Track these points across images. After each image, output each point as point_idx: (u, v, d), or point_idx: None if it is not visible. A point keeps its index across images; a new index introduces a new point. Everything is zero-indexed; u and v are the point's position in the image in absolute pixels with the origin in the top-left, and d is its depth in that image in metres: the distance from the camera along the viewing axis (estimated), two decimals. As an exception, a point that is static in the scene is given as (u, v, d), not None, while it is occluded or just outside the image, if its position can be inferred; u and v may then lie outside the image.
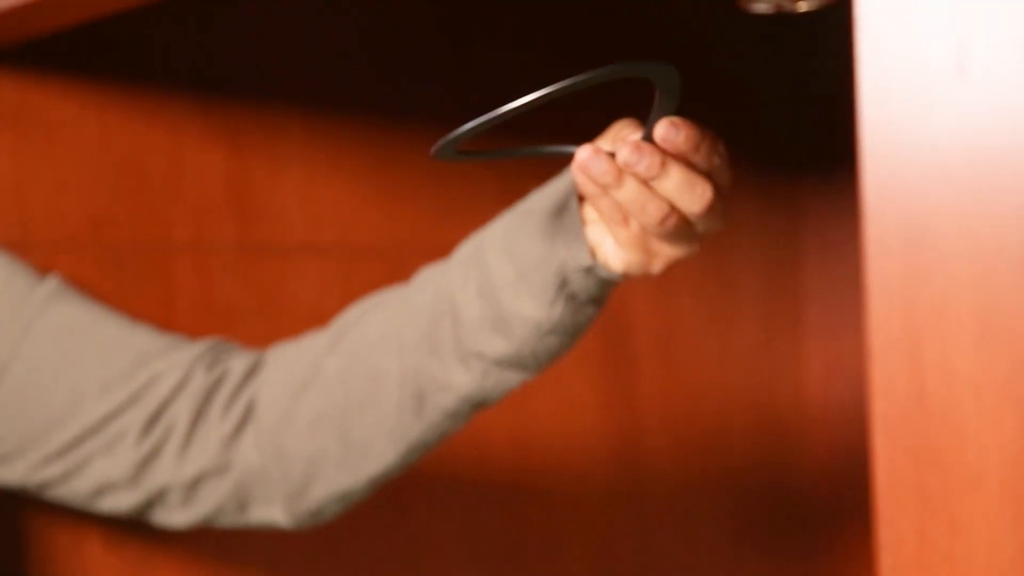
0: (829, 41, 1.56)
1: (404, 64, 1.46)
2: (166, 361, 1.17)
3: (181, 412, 1.15)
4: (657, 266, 1.00)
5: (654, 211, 0.96)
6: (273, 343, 1.21)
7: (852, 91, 1.48)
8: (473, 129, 0.92)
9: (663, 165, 0.95)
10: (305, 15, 1.41)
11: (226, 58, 1.38)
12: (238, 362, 1.17)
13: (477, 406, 1.08)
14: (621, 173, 0.95)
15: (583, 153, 0.95)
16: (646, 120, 0.96)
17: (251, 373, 1.16)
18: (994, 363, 0.60)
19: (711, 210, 0.97)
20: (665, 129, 0.94)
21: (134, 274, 1.33)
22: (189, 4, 1.30)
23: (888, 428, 0.62)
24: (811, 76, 1.67)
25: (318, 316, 1.40)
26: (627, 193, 0.96)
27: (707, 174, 0.97)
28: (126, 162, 1.33)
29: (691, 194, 0.96)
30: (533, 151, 0.99)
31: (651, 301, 1.60)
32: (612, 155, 0.95)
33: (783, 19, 1.14)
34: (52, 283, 1.20)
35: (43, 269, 1.26)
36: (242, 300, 1.38)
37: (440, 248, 1.45)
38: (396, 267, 1.44)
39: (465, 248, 1.07)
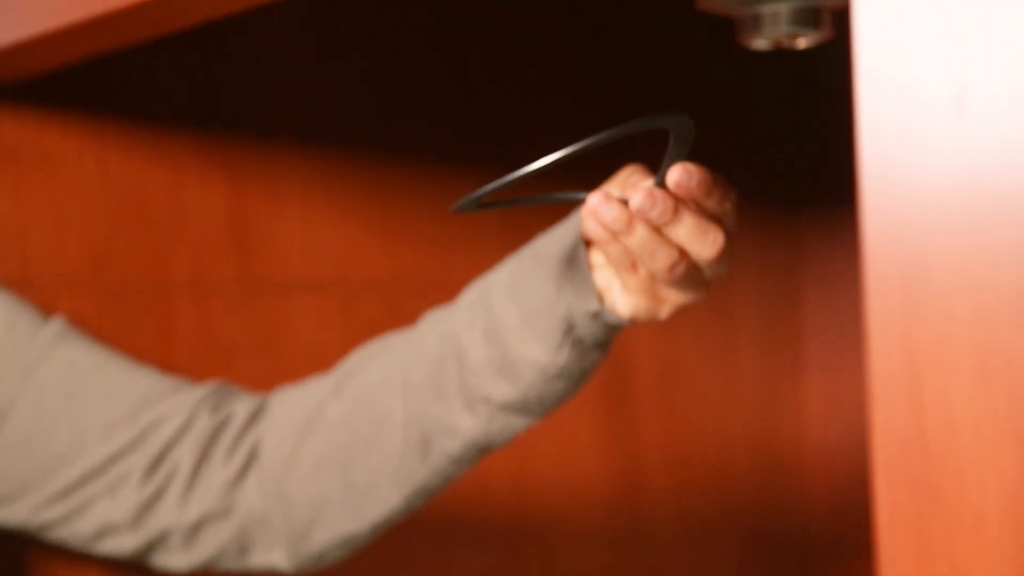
0: (830, 77, 1.57)
1: (404, 102, 1.46)
2: (170, 404, 1.17)
3: (184, 455, 1.15)
4: (664, 312, 1.00)
5: (664, 258, 0.96)
6: (273, 379, 1.21)
7: (852, 127, 1.48)
8: (494, 188, 0.92)
9: (676, 212, 0.94)
10: (306, 53, 1.41)
11: (227, 95, 1.38)
12: (242, 406, 1.17)
13: (483, 451, 1.07)
14: (632, 219, 0.95)
15: (594, 199, 0.95)
16: (655, 165, 0.96)
17: (255, 417, 1.16)
18: (993, 401, 0.60)
19: (721, 256, 0.96)
20: (679, 175, 0.94)
21: (134, 311, 1.33)
22: (189, 41, 1.30)
23: (889, 468, 0.62)
24: (812, 112, 1.67)
25: (318, 353, 1.40)
26: (637, 239, 0.95)
27: (718, 220, 0.97)
28: (126, 199, 1.33)
29: (703, 241, 0.95)
30: (545, 198, 0.99)
31: (651, 339, 1.59)
32: (623, 201, 0.95)
33: (784, 56, 1.14)
34: (56, 325, 1.20)
35: (43, 306, 1.26)
36: (242, 337, 1.38)
37: (441, 285, 1.46)
38: (396, 304, 1.44)
39: (471, 291, 1.07)
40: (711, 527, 1.62)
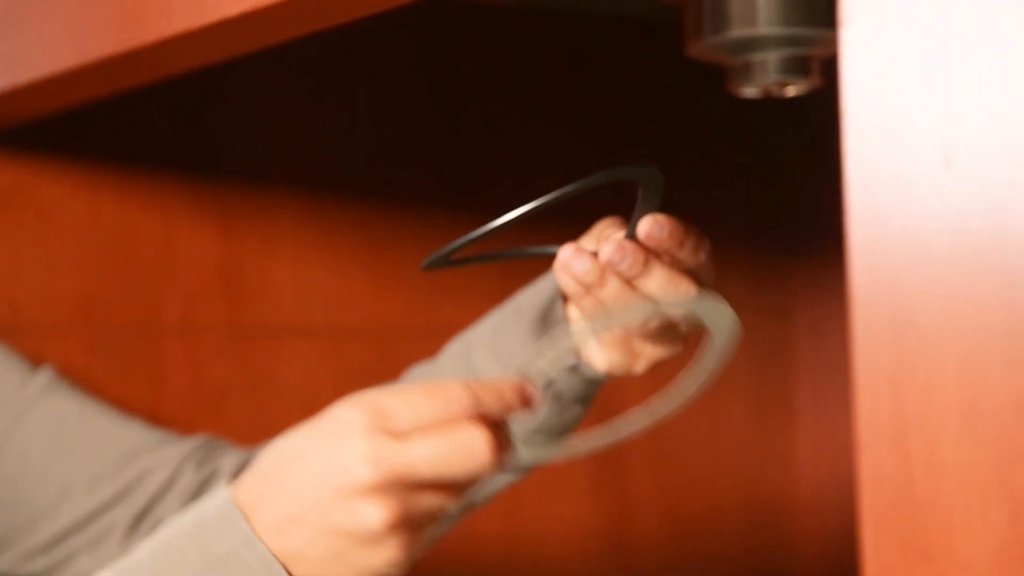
0: (819, 124, 1.57)
1: (397, 148, 1.46)
2: (156, 457, 1.16)
3: (168, 510, 1.14)
4: (640, 367, 0.99)
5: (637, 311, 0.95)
6: (264, 424, 1.20)
7: (840, 174, 1.48)
8: (462, 244, 0.92)
9: (646, 264, 0.93)
10: (298, 99, 1.42)
11: (218, 141, 1.38)
12: (228, 460, 1.16)
13: (466, 508, 1.07)
14: (604, 272, 0.93)
15: (565, 253, 0.94)
16: (630, 218, 0.96)
17: (241, 472, 1.16)
18: (981, 452, 0.60)
19: None
20: (649, 226, 0.93)
21: (124, 356, 1.33)
22: (182, 86, 1.31)
23: (876, 518, 0.62)
24: (803, 158, 1.67)
25: (309, 398, 1.39)
26: (610, 293, 0.94)
27: (692, 272, 0.95)
28: (117, 244, 1.33)
29: (675, 294, 0.94)
30: (517, 253, 0.99)
31: (641, 385, 1.59)
32: (595, 254, 0.95)
33: (773, 103, 1.14)
34: (44, 376, 1.20)
35: (33, 350, 1.26)
36: (232, 382, 1.37)
37: (431, 331, 1.45)
38: (387, 350, 1.44)
39: (454, 345, 1.07)
40: (701, 572, 1.62)
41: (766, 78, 1.04)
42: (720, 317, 0.90)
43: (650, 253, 0.93)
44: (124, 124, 1.34)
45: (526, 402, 0.83)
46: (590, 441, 0.92)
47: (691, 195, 1.68)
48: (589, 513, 1.55)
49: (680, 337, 0.98)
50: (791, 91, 1.06)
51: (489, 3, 1.45)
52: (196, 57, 1.08)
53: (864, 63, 0.63)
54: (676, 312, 0.92)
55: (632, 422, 0.91)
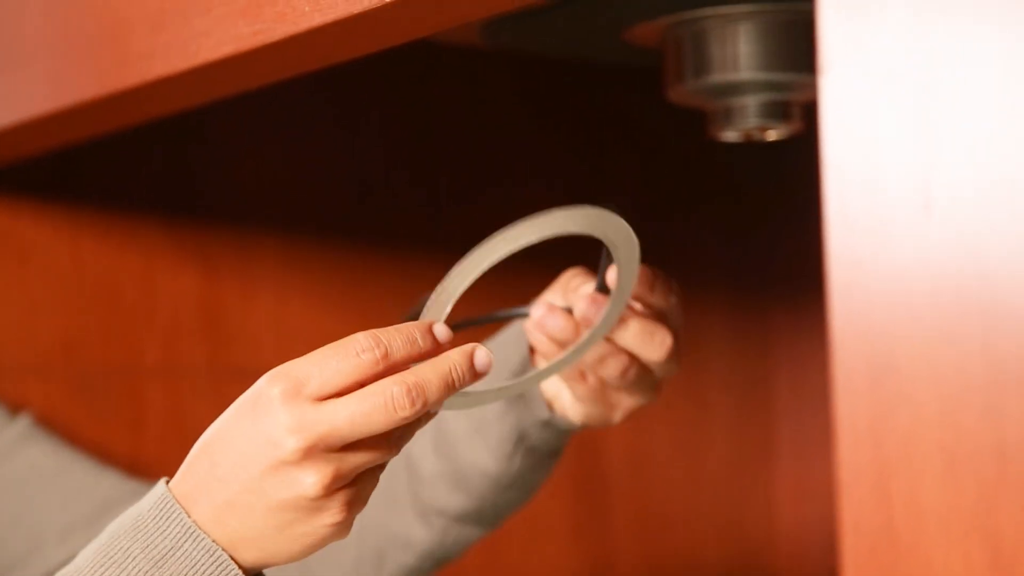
0: (799, 168, 1.58)
1: (376, 189, 1.46)
2: None
3: None
4: (617, 417, 0.98)
5: (614, 365, 0.94)
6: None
7: (821, 218, 1.49)
8: (416, 312, 0.91)
9: (621, 316, 0.92)
10: (278, 140, 1.42)
11: (200, 183, 1.38)
12: None
13: (439, 562, 1.06)
14: (578, 328, 0.93)
15: (538, 312, 0.93)
16: (594, 268, 0.95)
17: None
18: (961, 495, 0.60)
19: (670, 356, 0.94)
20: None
21: (105, 397, 1.33)
22: (162, 129, 1.31)
23: (857, 563, 0.62)
24: (783, 199, 1.68)
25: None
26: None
27: (663, 317, 0.95)
28: (98, 286, 1.33)
29: (651, 343, 0.93)
30: (488, 318, 0.98)
31: (621, 426, 1.59)
32: (567, 310, 0.94)
33: (753, 147, 1.15)
34: (22, 424, 1.19)
35: (13, 393, 1.26)
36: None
37: (412, 372, 1.46)
38: (367, 391, 1.44)
39: None
40: (682, 615, 1.62)
41: (747, 122, 1.04)
42: (619, 232, 0.89)
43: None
44: (105, 166, 1.34)
45: (435, 343, 0.83)
46: (516, 385, 0.91)
47: (670, 235, 1.69)
48: (569, 555, 1.55)
49: (655, 384, 0.97)
50: (771, 135, 1.07)
51: (470, 46, 1.45)
52: (177, 100, 1.09)
53: (844, 109, 0.63)
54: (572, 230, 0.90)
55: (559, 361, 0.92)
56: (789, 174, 1.66)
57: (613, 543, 1.58)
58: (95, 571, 0.82)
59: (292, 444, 0.79)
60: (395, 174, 1.47)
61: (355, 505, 0.82)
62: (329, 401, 0.80)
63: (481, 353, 0.83)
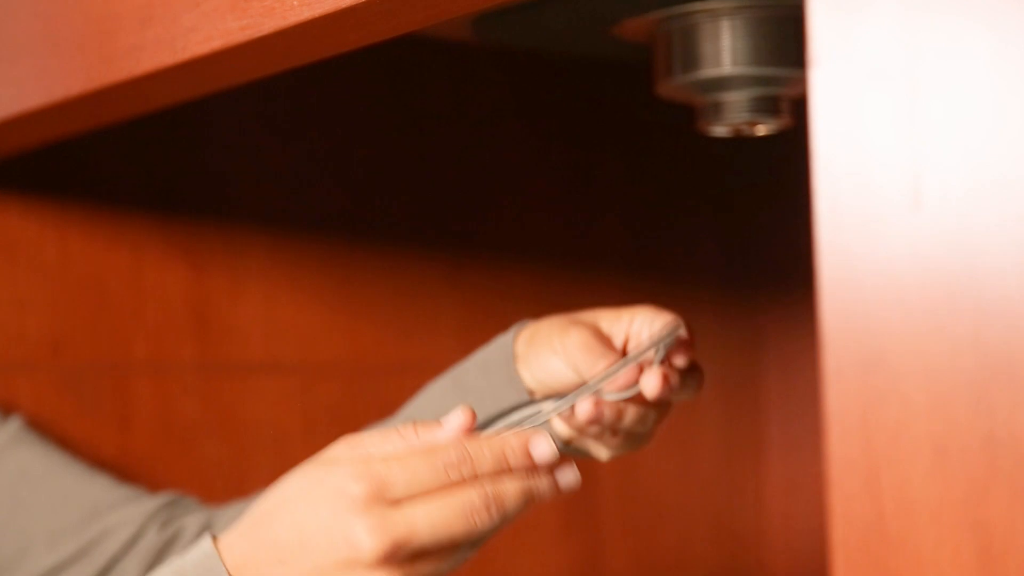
0: (789, 164, 1.58)
1: (365, 184, 1.46)
2: (119, 516, 1.15)
3: (130, 570, 1.12)
4: (644, 443, 1.01)
5: (633, 414, 0.97)
6: (233, 462, 1.20)
7: (810, 214, 1.49)
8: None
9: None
10: (266, 135, 1.42)
11: (187, 178, 1.38)
12: (193, 520, 1.15)
13: None
14: (621, 411, 0.96)
15: (586, 407, 0.94)
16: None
17: (205, 532, 1.14)
18: (951, 488, 0.60)
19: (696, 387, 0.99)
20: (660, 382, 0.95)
21: (93, 394, 1.32)
22: (150, 124, 1.31)
23: (847, 555, 0.62)
24: (773, 194, 1.68)
25: (278, 435, 1.39)
26: (629, 420, 0.96)
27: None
28: (86, 282, 1.33)
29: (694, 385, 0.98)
30: (508, 426, 0.98)
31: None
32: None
33: (743, 142, 1.15)
34: (13, 426, 1.19)
35: (1, 389, 1.25)
36: (201, 419, 1.37)
37: (399, 368, 1.45)
38: (356, 387, 1.44)
39: (407, 410, 1.06)
40: (671, 610, 1.62)
41: (736, 118, 1.04)
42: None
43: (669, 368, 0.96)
44: (93, 162, 1.34)
45: (530, 463, 0.84)
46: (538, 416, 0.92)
47: (660, 230, 1.69)
48: (559, 551, 1.55)
49: (655, 420, 1.00)
50: (761, 130, 1.07)
51: (460, 41, 1.45)
52: (165, 96, 1.08)
53: (834, 104, 0.63)
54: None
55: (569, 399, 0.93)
56: (779, 170, 1.66)
57: (603, 539, 1.58)
58: None
59: (370, 546, 0.80)
60: (384, 169, 1.47)
61: None
62: (412, 505, 0.81)
63: (568, 474, 0.85)
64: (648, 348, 0.92)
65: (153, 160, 1.37)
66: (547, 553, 1.54)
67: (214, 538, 0.85)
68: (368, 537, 0.80)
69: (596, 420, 0.93)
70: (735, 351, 1.69)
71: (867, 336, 0.62)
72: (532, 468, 0.84)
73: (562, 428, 0.99)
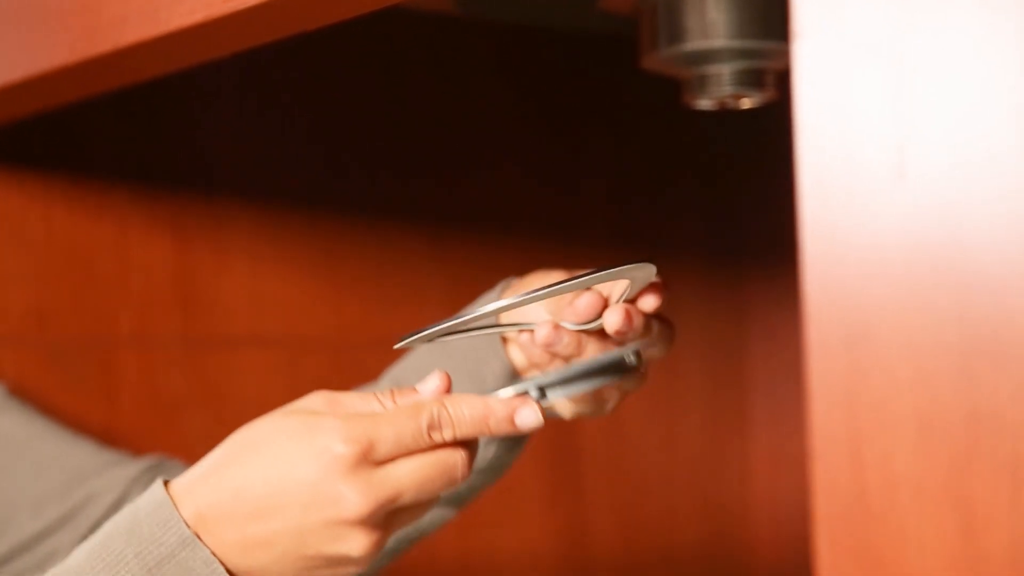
0: (773, 136, 1.58)
1: (349, 157, 1.46)
2: (103, 481, 1.15)
3: None
4: (608, 408, 0.98)
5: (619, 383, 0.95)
6: (218, 435, 1.19)
7: (794, 186, 1.49)
8: (437, 332, 0.91)
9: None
10: (251, 109, 1.41)
11: (171, 151, 1.38)
12: None
13: (412, 541, 1.08)
14: (581, 342, 0.94)
15: (543, 332, 0.93)
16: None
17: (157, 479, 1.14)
18: (934, 462, 0.60)
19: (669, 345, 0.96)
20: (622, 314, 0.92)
21: (78, 368, 1.32)
22: (134, 97, 1.30)
23: (830, 529, 0.62)
24: (757, 166, 1.68)
25: (263, 408, 1.39)
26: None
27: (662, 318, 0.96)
28: (71, 255, 1.33)
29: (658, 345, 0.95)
30: (492, 329, 0.97)
31: (597, 393, 1.60)
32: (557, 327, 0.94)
33: (728, 115, 1.15)
34: None
35: (-15, 363, 1.25)
36: (187, 393, 1.37)
37: (384, 340, 1.45)
38: (342, 359, 1.44)
39: (392, 371, 1.06)
40: (657, 582, 1.62)
41: (721, 90, 1.04)
42: (646, 273, 0.91)
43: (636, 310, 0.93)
44: (77, 135, 1.33)
45: (511, 425, 0.85)
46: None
47: (645, 203, 1.69)
48: (544, 524, 1.55)
49: (642, 374, 0.98)
50: (746, 103, 1.07)
51: (442, 13, 1.45)
52: (149, 68, 1.08)
53: (818, 76, 0.63)
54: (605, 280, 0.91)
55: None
56: (763, 142, 1.66)
57: (588, 512, 1.58)
58: (85, 572, 0.82)
59: (356, 507, 0.81)
60: (368, 142, 1.47)
61: (376, 554, 0.83)
62: (392, 464, 0.82)
63: (528, 414, 0.85)
64: (611, 274, 0.90)
65: (137, 133, 1.36)
66: (532, 525, 1.55)
67: (166, 483, 0.84)
68: (356, 497, 0.80)
69: (551, 344, 0.92)
70: (720, 323, 1.69)
71: (851, 310, 0.62)
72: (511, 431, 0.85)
73: (563, 404, 0.98)
